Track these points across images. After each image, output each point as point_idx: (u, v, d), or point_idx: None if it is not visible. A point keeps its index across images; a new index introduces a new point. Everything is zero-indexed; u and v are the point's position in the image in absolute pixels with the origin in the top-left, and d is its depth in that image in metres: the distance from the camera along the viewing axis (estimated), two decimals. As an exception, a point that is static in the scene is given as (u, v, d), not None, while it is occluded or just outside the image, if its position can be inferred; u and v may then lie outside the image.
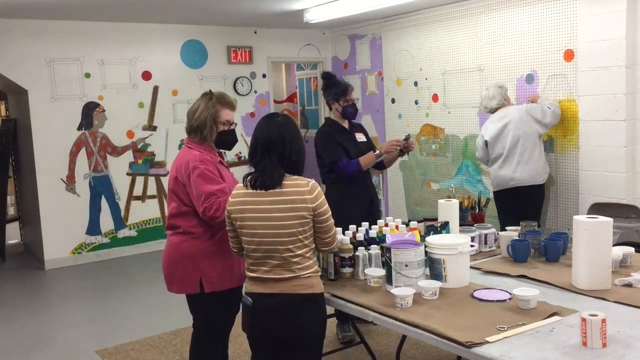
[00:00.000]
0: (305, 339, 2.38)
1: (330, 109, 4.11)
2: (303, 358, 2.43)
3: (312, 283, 2.35)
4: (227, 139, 2.99)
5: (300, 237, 2.31)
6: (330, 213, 2.38)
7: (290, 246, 2.30)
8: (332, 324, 4.22)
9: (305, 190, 2.30)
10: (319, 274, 2.44)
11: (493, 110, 4.92)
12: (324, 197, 2.35)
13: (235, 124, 3.03)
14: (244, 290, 2.47)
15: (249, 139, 7.39)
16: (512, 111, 4.81)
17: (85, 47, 6.32)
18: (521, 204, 4.74)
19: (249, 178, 2.35)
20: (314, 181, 2.35)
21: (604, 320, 1.88)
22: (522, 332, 2.03)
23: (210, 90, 2.99)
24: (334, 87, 4.06)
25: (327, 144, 3.96)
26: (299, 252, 2.32)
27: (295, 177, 2.35)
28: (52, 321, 4.75)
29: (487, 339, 1.98)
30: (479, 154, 5.05)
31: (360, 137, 4.13)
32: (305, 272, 2.34)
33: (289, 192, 2.29)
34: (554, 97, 5.18)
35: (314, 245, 2.40)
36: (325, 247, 2.45)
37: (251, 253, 2.37)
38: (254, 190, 2.32)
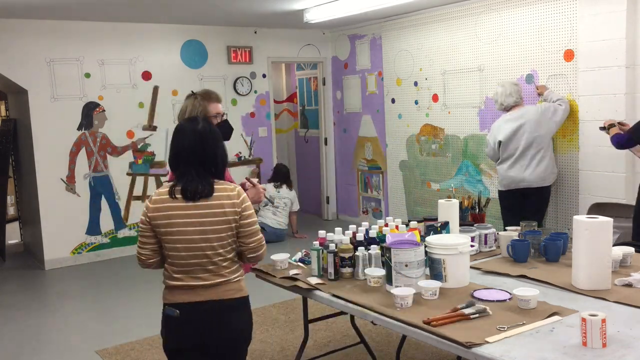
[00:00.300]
0: (235, 344, 2.37)
1: None
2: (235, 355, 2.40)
3: (241, 286, 2.38)
4: (224, 130, 2.95)
5: (229, 240, 2.31)
6: (255, 218, 2.36)
7: (221, 250, 2.30)
8: (332, 323, 4.22)
9: (233, 195, 2.31)
10: (244, 276, 2.43)
11: (509, 108, 4.88)
12: (249, 202, 2.35)
13: (225, 113, 3.05)
14: (163, 302, 2.37)
15: (249, 139, 7.44)
16: (529, 112, 4.79)
17: (85, 47, 6.32)
18: (527, 204, 4.77)
19: (177, 189, 2.29)
20: (239, 186, 2.39)
21: (604, 320, 1.88)
22: (522, 332, 2.04)
23: (192, 91, 3.05)
24: None
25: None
26: (229, 256, 2.33)
27: (221, 182, 2.36)
28: (52, 321, 4.75)
29: (487, 339, 1.99)
30: (488, 152, 5.05)
31: None
32: (234, 276, 2.35)
33: (218, 197, 2.29)
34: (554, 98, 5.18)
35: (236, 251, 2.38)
36: (252, 254, 2.37)
37: (177, 260, 2.31)
38: (181, 198, 2.28)
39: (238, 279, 2.37)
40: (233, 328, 2.35)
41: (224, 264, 2.32)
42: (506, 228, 3.32)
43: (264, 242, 2.42)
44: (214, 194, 2.29)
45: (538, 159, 4.73)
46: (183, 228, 2.27)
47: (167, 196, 2.31)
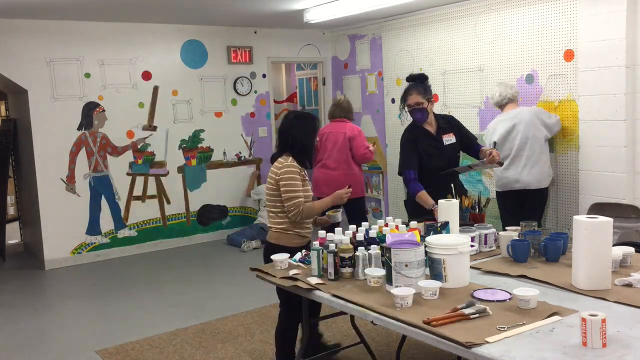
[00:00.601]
0: None
1: None
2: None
3: (277, 236, 3.26)
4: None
5: (273, 197, 3.25)
6: (290, 188, 3.17)
7: (268, 203, 3.30)
8: (332, 323, 4.22)
9: (278, 165, 3.24)
10: (291, 232, 3.25)
11: (504, 104, 4.90)
12: (291, 175, 3.18)
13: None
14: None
15: (248, 139, 7.44)
16: (522, 112, 4.81)
17: (85, 47, 6.32)
18: (524, 205, 4.77)
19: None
20: (290, 162, 3.22)
21: (604, 320, 1.88)
22: (522, 332, 2.04)
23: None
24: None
25: (403, 149, 3.98)
26: (273, 209, 3.28)
27: (285, 157, 3.26)
28: (52, 321, 4.75)
29: (487, 339, 1.98)
30: None
31: (448, 139, 3.96)
32: (274, 226, 3.28)
33: (275, 165, 3.28)
34: (554, 97, 5.19)
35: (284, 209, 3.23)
36: (289, 214, 3.20)
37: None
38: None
39: (276, 229, 3.26)
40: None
41: (271, 214, 3.30)
42: (506, 228, 3.32)
43: (297, 208, 3.16)
44: (275, 162, 3.28)
45: (533, 160, 4.73)
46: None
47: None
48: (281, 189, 3.17)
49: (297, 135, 3.27)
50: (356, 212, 5.47)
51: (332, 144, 5.50)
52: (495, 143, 4.85)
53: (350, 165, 5.51)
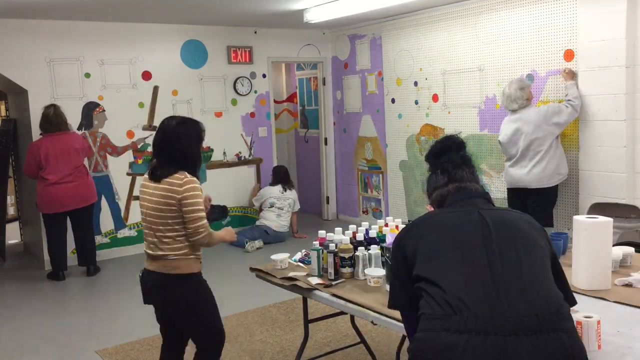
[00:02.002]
0: (178, 311, 2.84)
1: None
2: (188, 325, 2.88)
3: (178, 265, 2.77)
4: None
5: (169, 221, 2.73)
6: (196, 207, 2.71)
7: (161, 227, 2.75)
8: (332, 323, 4.22)
9: (178, 182, 2.71)
10: (189, 257, 2.79)
11: (515, 111, 4.89)
12: (195, 192, 2.72)
13: None
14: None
15: (248, 139, 7.44)
16: (528, 115, 4.78)
17: (85, 47, 6.32)
18: (529, 204, 4.79)
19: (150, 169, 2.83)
20: (190, 178, 2.74)
21: (599, 322, 1.88)
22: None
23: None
24: None
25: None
26: (168, 234, 2.75)
27: (183, 172, 2.74)
28: (52, 321, 4.75)
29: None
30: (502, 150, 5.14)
31: None
32: (173, 254, 2.76)
33: (169, 182, 2.72)
34: (554, 97, 5.19)
35: (184, 232, 2.76)
36: (191, 238, 2.76)
37: (143, 229, 2.88)
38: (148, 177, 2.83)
39: (175, 257, 2.76)
40: (167, 299, 2.83)
41: (164, 240, 2.76)
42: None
43: (204, 230, 2.74)
44: (167, 179, 2.72)
45: (536, 160, 4.75)
46: (143, 202, 2.83)
47: (146, 174, 2.87)
48: (185, 209, 2.69)
49: (187, 144, 2.78)
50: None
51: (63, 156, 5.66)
52: (500, 142, 4.96)
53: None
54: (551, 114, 4.74)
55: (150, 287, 2.87)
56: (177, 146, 2.75)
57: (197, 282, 2.84)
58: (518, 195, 4.92)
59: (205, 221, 2.75)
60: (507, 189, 5.06)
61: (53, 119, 5.66)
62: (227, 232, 3.00)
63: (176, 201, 2.69)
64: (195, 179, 2.76)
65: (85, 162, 6.23)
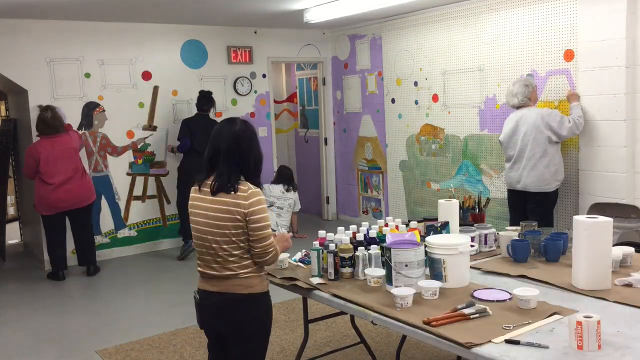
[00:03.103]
0: (240, 336, 2.51)
1: None
2: (244, 355, 2.55)
3: (251, 283, 2.47)
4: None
5: (233, 238, 2.42)
6: (265, 223, 2.43)
7: (225, 245, 2.43)
8: (332, 323, 4.22)
9: (242, 195, 2.40)
10: (261, 273, 2.53)
11: (515, 107, 4.90)
12: (261, 206, 2.42)
13: None
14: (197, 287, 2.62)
15: (249, 139, 7.42)
16: (527, 114, 4.76)
17: (85, 47, 6.32)
18: (529, 207, 4.79)
19: (207, 183, 2.48)
20: (254, 189, 2.44)
21: (599, 322, 1.88)
22: (522, 333, 2.04)
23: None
24: None
25: None
26: (235, 252, 2.44)
27: (246, 183, 2.44)
28: (52, 321, 4.75)
29: (494, 340, 1.98)
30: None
31: None
32: (243, 271, 2.46)
33: (234, 196, 2.40)
34: (554, 97, 5.19)
35: (248, 248, 2.46)
36: (257, 258, 2.47)
37: (197, 247, 2.56)
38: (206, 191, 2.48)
39: (247, 275, 2.46)
40: (236, 321, 2.48)
41: (230, 259, 2.44)
42: (506, 228, 3.32)
43: (273, 250, 2.47)
44: (232, 192, 2.40)
45: (533, 162, 4.72)
46: (197, 218, 2.50)
47: (196, 187, 2.53)
48: (252, 225, 2.39)
49: (257, 152, 2.52)
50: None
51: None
52: (500, 142, 4.98)
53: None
54: (552, 120, 4.67)
55: (213, 310, 2.51)
56: (237, 152, 2.44)
57: (267, 303, 2.56)
58: (518, 197, 4.91)
59: (272, 239, 2.47)
60: (507, 190, 5.06)
61: (51, 121, 5.63)
62: (282, 239, 2.65)
63: (242, 217, 2.39)
64: (259, 190, 2.46)
65: (85, 162, 6.25)
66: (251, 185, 2.44)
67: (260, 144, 2.56)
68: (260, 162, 2.53)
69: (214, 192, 2.43)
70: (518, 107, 4.87)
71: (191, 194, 2.54)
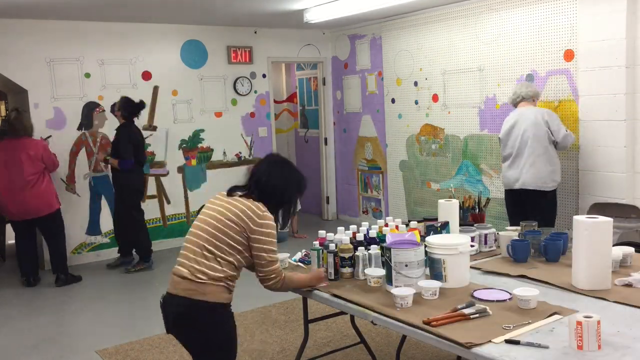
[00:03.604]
0: (195, 347, 2.47)
1: None
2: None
3: (204, 289, 2.38)
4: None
5: (226, 243, 2.39)
6: (269, 254, 2.43)
7: (214, 241, 2.40)
8: (332, 323, 4.22)
9: (258, 213, 2.41)
10: (230, 285, 2.45)
11: (517, 103, 4.83)
12: (270, 231, 2.42)
13: None
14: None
15: (248, 139, 7.43)
16: (527, 112, 4.72)
17: (85, 47, 6.32)
18: (528, 207, 4.70)
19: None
20: (270, 216, 2.44)
21: (599, 322, 1.88)
22: (522, 333, 2.04)
23: None
24: None
25: None
26: (223, 260, 2.39)
27: (264, 205, 2.46)
28: (52, 321, 4.75)
29: (494, 340, 1.98)
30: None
31: None
32: (204, 278, 2.38)
33: (246, 204, 2.43)
34: (554, 97, 5.19)
35: (234, 261, 2.43)
36: (261, 283, 2.51)
37: (185, 245, 2.50)
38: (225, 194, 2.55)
39: (202, 279, 2.38)
40: (192, 329, 2.44)
41: (208, 255, 2.39)
42: (506, 228, 3.32)
43: (273, 279, 2.47)
44: (246, 201, 2.44)
45: (532, 159, 4.66)
46: (206, 211, 2.50)
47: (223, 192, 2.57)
48: (256, 245, 2.40)
49: (292, 192, 2.60)
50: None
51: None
52: (499, 139, 4.93)
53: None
54: (550, 121, 4.62)
55: (173, 315, 2.46)
56: (284, 190, 2.54)
57: (224, 316, 2.48)
58: (516, 196, 4.81)
59: (278, 264, 2.47)
60: (505, 191, 4.96)
61: (12, 122, 5.37)
62: (315, 277, 2.63)
63: (246, 227, 2.39)
64: (273, 219, 2.47)
65: (85, 162, 6.23)
66: (268, 211, 2.46)
67: (295, 194, 2.62)
68: (285, 203, 2.59)
69: (230, 193, 2.51)
70: (520, 102, 4.80)
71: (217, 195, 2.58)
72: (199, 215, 2.52)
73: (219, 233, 2.40)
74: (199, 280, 2.37)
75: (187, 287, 2.39)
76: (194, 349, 2.50)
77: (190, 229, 2.50)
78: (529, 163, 4.70)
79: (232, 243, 2.40)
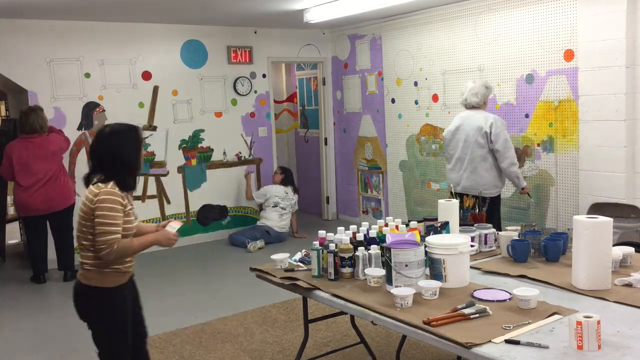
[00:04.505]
0: (87, 322, 2.85)
1: None
2: (96, 344, 2.87)
3: (90, 276, 2.69)
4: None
5: (84, 229, 2.66)
6: (103, 220, 2.58)
7: (79, 234, 2.69)
8: (332, 323, 4.22)
9: (95, 192, 2.60)
10: (104, 270, 2.68)
11: (469, 107, 4.72)
12: (107, 204, 2.57)
13: None
14: None
15: (248, 139, 7.44)
16: (473, 117, 4.62)
17: (85, 47, 6.32)
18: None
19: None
20: (108, 188, 2.59)
21: (599, 322, 1.88)
22: (522, 333, 2.04)
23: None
24: None
25: None
26: (84, 242, 2.67)
27: (105, 182, 2.62)
28: (52, 321, 4.75)
29: (494, 340, 1.98)
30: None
31: None
32: (87, 262, 2.69)
33: (90, 191, 2.65)
34: (554, 97, 5.19)
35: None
36: (97, 252, 2.62)
37: None
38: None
39: (88, 266, 2.68)
40: (79, 309, 2.84)
41: (82, 246, 2.71)
42: (506, 228, 3.32)
43: (109, 247, 2.58)
44: (91, 187, 2.65)
45: (473, 166, 4.61)
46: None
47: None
48: (96, 220, 2.57)
49: (126, 153, 2.68)
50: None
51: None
52: (444, 137, 4.89)
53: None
54: (494, 128, 4.48)
55: (78, 298, 2.82)
56: (115, 156, 2.65)
57: (104, 299, 2.75)
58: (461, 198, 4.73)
59: (113, 236, 2.58)
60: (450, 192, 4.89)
61: (30, 121, 5.50)
62: (162, 236, 2.83)
63: (90, 210, 2.60)
64: (116, 190, 2.59)
65: (84, 162, 6.22)
66: (108, 185, 2.60)
67: (139, 151, 2.78)
68: (128, 163, 2.70)
69: (85, 183, 2.73)
70: (470, 108, 4.71)
71: None
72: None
73: (80, 226, 2.70)
74: (87, 268, 2.72)
75: (82, 274, 2.76)
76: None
77: None
78: (469, 169, 4.64)
79: (91, 230, 2.64)
